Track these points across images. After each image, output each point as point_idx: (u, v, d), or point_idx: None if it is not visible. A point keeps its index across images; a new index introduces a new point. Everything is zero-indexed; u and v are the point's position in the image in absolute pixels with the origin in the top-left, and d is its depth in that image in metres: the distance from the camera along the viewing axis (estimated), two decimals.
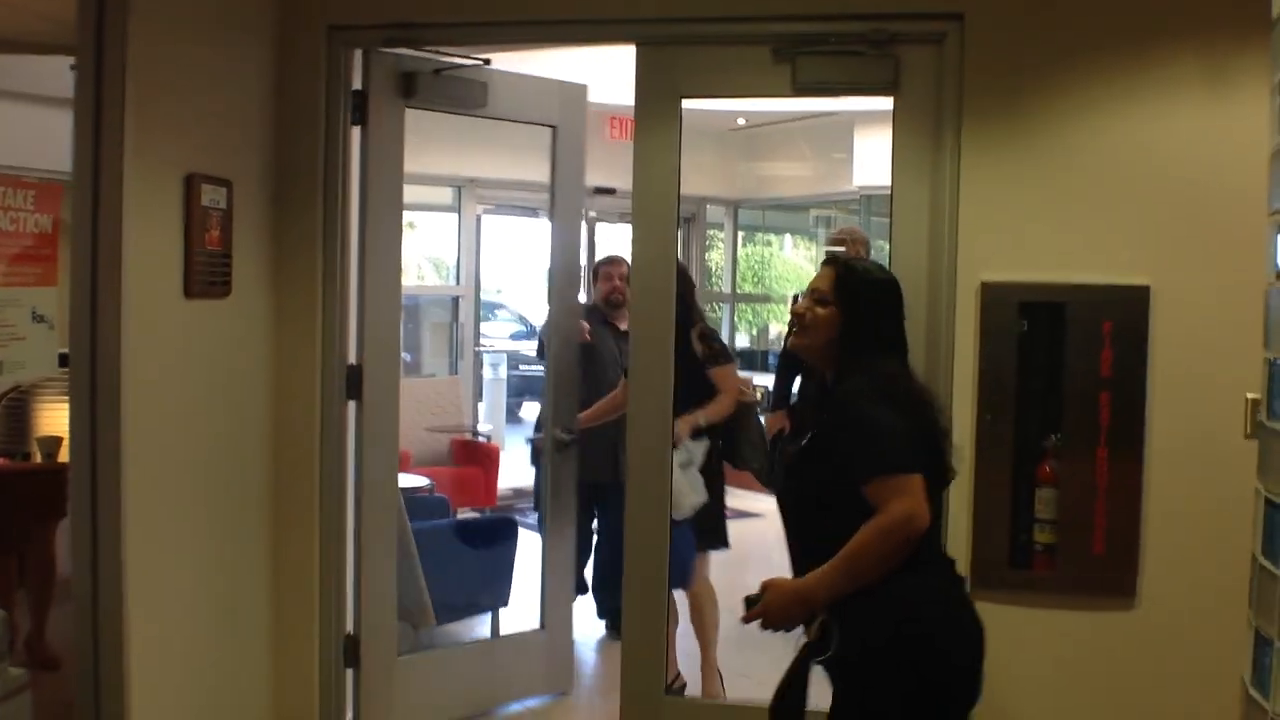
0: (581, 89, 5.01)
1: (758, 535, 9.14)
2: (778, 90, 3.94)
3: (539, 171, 5.14)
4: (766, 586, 2.74)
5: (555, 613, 5.01)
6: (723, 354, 4.90)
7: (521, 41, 4.58)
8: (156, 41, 3.39)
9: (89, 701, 3.35)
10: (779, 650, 3.01)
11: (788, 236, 12.14)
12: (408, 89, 4.33)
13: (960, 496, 3.79)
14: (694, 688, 4.87)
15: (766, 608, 2.72)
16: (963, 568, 3.77)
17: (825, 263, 3.03)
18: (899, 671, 2.65)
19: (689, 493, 4.52)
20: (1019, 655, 3.78)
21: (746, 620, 2.77)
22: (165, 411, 3.52)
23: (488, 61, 4.56)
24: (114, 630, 3.33)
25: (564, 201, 5.01)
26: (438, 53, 4.38)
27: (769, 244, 12.10)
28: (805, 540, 2.84)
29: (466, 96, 4.54)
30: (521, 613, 5.37)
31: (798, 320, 2.88)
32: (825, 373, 2.89)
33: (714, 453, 4.82)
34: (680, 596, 4.87)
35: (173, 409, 3.57)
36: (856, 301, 2.84)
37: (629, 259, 4.38)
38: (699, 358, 4.74)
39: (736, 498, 9.91)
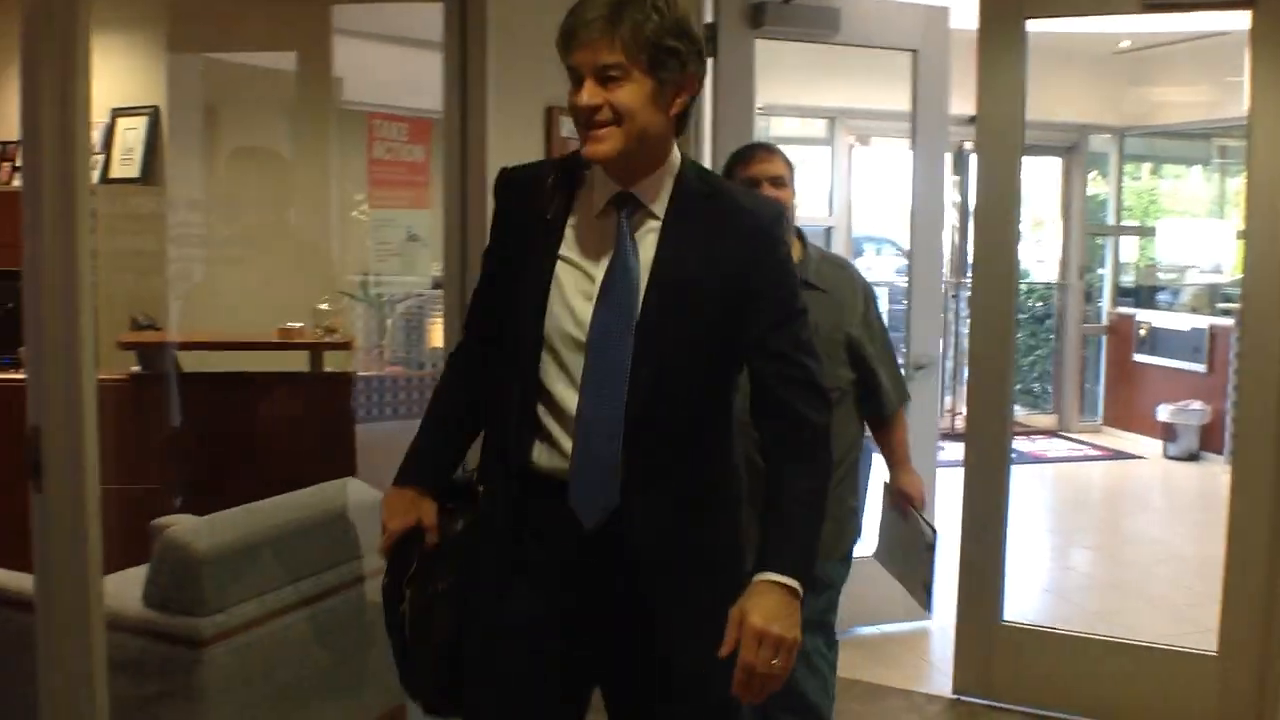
0: (943, 11, 4.91)
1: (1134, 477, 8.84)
2: (1125, 7, 3.78)
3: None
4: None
5: None
6: None
7: None
8: None
9: None
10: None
11: (1186, 167, 11.36)
12: (755, 19, 4.46)
13: None
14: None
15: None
16: None
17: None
18: None
19: None
20: None
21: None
22: None
23: None
24: None
25: (926, 132, 4.97)
26: None
27: (1162, 175, 11.38)
28: None
29: (817, 23, 4.59)
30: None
31: None
32: None
33: None
34: None
35: None
36: None
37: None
38: None
39: (1114, 437, 9.59)
